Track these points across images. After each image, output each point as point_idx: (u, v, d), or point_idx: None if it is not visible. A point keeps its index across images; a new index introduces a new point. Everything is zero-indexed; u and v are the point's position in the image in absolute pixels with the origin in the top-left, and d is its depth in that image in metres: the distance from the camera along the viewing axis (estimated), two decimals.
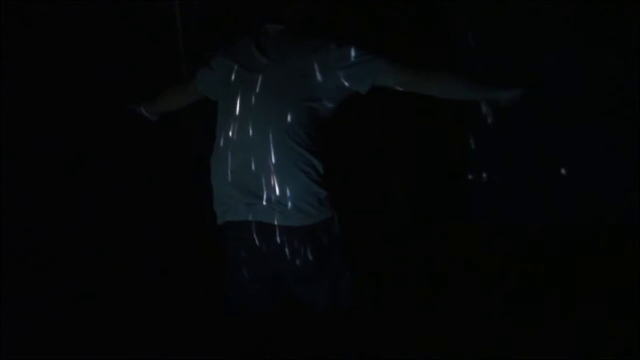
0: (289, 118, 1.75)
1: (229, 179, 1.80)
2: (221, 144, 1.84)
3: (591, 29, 3.22)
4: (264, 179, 1.75)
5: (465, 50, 3.17)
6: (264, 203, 1.76)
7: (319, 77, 1.76)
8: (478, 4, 3.32)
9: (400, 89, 1.82)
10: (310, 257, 1.78)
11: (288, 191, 1.74)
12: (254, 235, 1.79)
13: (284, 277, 1.85)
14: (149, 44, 2.79)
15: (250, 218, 1.79)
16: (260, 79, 1.80)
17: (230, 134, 1.80)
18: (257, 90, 1.79)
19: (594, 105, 3.22)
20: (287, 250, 1.78)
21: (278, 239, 1.77)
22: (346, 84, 1.77)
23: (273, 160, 1.74)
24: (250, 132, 1.77)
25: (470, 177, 3.29)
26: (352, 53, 1.77)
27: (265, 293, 1.90)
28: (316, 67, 1.77)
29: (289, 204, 1.75)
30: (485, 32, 3.26)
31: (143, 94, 2.30)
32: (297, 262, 1.78)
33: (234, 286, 1.92)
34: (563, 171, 3.07)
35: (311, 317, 1.88)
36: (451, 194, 3.39)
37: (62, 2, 2.57)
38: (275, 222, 1.76)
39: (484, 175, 3.22)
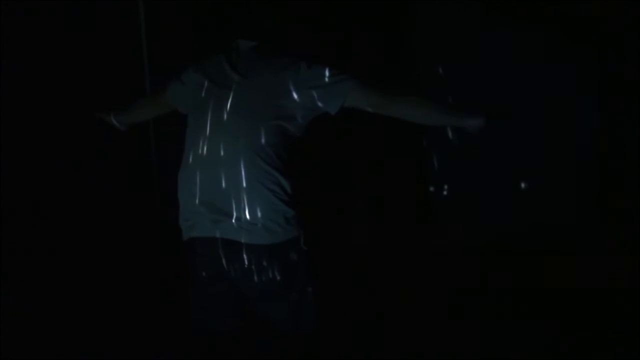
0: (258, 136, 1.74)
1: (196, 195, 1.78)
2: (190, 159, 1.82)
3: (556, 57, 3.34)
4: (231, 197, 1.74)
5: (430, 77, 3.24)
6: (230, 220, 1.74)
7: (288, 95, 1.76)
8: (443, 33, 3.40)
9: (369, 110, 1.83)
10: (275, 276, 1.77)
11: (255, 209, 1.73)
12: (220, 252, 1.77)
13: (248, 295, 1.83)
14: (113, 55, 2.77)
15: (216, 235, 1.77)
16: (230, 95, 1.79)
17: (199, 150, 1.79)
18: (227, 107, 1.78)
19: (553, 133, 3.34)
20: (252, 268, 1.76)
21: (243, 257, 1.76)
22: (316, 103, 1.78)
23: (241, 178, 1.73)
24: (219, 149, 1.76)
25: (432, 189, 3.33)
26: (323, 73, 1.78)
27: (229, 310, 1.87)
28: (286, 85, 1.77)
29: (256, 222, 1.74)
30: (451, 58, 3.34)
31: (107, 104, 2.28)
32: (262, 280, 1.76)
33: (197, 302, 1.89)
34: (523, 185, 3.15)
35: (273, 336, 1.86)
36: (415, 210, 3.45)
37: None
38: (241, 240, 1.74)
39: (445, 189, 3.27)
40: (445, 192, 3.30)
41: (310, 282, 1.84)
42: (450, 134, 1.88)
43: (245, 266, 1.75)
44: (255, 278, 1.76)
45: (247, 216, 1.73)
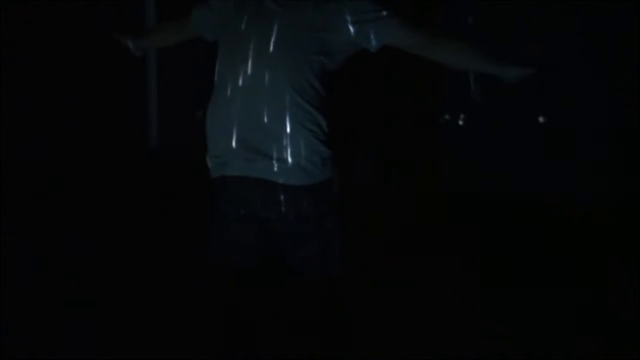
0: (298, 72, 1.65)
1: (230, 131, 1.69)
2: (222, 93, 1.71)
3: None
4: (269, 135, 1.66)
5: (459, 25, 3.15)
6: (267, 160, 1.67)
7: (332, 29, 1.67)
8: None
9: (409, 50, 1.76)
10: (307, 218, 1.71)
11: (293, 149, 1.66)
12: (253, 192, 1.70)
13: (278, 236, 1.78)
14: None
15: (249, 174, 1.69)
16: (270, 27, 1.68)
17: (234, 84, 1.69)
18: (267, 39, 1.67)
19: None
20: (284, 208, 1.70)
21: (276, 197, 1.69)
22: (360, 38, 1.69)
23: (280, 115, 1.65)
24: (257, 84, 1.66)
25: (447, 117, 3.24)
26: (368, 8, 1.69)
27: (255, 250, 1.81)
28: (330, 19, 1.67)
29: (292, 162, 1.66)
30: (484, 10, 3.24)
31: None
32: (295, 221, 1.71)
33: (221, 242, 1.82)
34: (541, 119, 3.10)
35: (300, 278, 1.83)
36: (424, 148, 3.40)
37: None
38: (278, 180, 1.67)
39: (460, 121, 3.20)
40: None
41: (340, 227, 1.80)
42: (472, 85, 1.84)
43: (280, 207, 1.69)
44: (289, 219, 1.70)
45: (285, 156, 1.66)
